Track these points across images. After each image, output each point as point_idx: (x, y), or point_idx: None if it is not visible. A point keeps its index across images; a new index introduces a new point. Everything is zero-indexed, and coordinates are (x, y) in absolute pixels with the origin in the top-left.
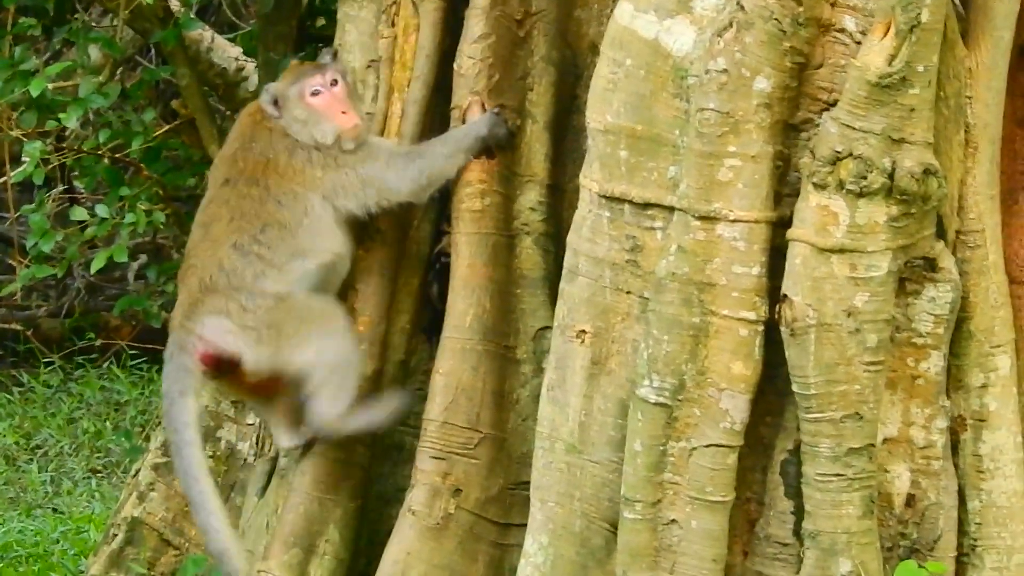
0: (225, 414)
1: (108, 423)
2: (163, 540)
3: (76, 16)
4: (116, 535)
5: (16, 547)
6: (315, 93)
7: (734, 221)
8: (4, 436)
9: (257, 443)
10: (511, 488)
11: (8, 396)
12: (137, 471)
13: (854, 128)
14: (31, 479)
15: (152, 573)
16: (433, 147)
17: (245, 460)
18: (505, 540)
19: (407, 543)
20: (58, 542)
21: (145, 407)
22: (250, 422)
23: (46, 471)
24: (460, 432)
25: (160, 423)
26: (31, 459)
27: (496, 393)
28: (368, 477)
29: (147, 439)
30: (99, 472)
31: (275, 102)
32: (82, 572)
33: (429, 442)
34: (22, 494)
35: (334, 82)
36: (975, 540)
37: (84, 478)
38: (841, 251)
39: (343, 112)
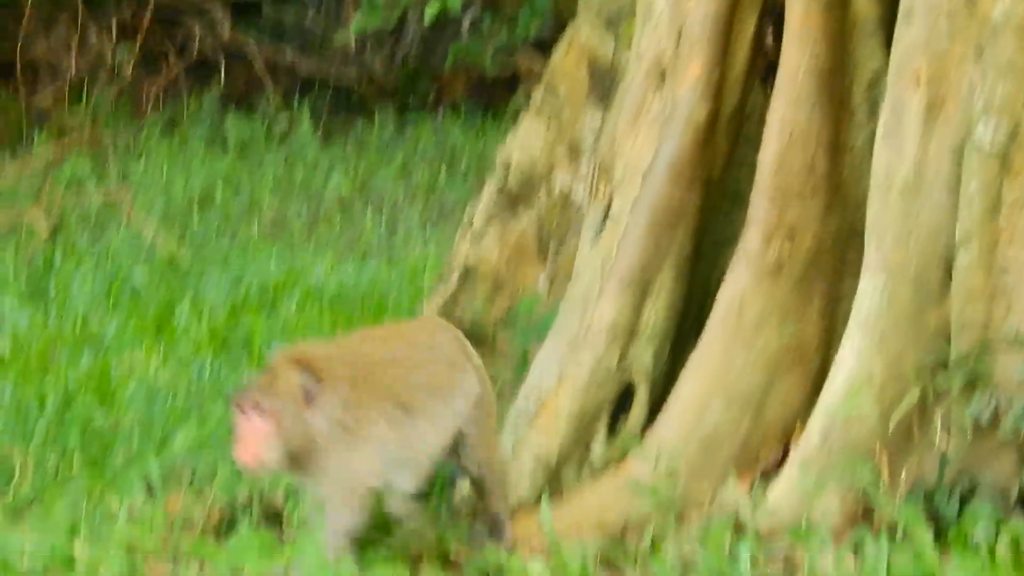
0: (558, 158)
1: (442, 171)
2: (497, 283)
3: None
4: (451, 278)
5: (351, 291)
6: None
7: None
8: (340, 185)
9: (591, 187)
10: (846, 231)
11: (343, 145)
12: (471, 217)
13: None
14: (366, 226)
15: (487, 314)
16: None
17: (578, 204)
18: (839, 282)
19: (742, 285)
20: (392, 286)
21: (478, 155)
22: (582, 165)
23: (381, 218)
24: (795, 177)
25: (493, 169)
26: (366, 207)
27: (830, 138)
28: (703, 220)
29: (480, 186)
30: (433, 219)
31: None
32: (417, 314)
33: (764, 186)
34: (358, 241)
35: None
36: None
37: (418, 225)
38: None
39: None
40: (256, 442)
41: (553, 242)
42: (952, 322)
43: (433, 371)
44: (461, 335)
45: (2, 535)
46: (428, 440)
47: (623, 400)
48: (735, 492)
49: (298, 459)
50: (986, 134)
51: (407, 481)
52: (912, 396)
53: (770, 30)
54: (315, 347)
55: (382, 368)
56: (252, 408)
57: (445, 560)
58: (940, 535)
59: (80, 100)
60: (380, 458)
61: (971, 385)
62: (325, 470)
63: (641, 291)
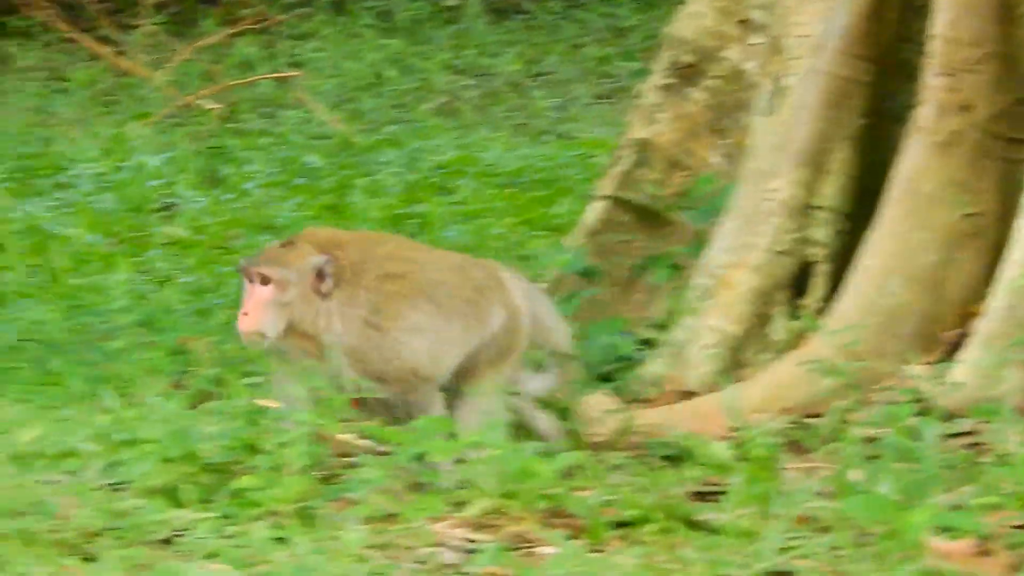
0: (729, 33)
1: (612, 48)
2: (672, 161)
3: None
4: (624, 157)
5: (525, 172)
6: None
7: None
8: (510, 63)
9: (762, 63)
10: (1020, 103)
11: (511, 24)
12: (644, 93)
13: None
14: (538, 106)
15: (662, 193)
16: None
17: (751, 80)
18: (1015, 155)
19: (916, 160)
20: (566, 166)
21: (649, 32)
22: (753, 41)
23: (553, 98)
24: (966, 48)
25: (664, 45)
26: (537, 86)
27: (1002, 8)
28: (875, 95)
29: (652, 61)
30: (605, 97)
31: None
32: (592, 194)
33: (935, 59)
34: (530, 121)
35: (264, 281)
36: None
37: (591, 103)
38: None
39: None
40: (256, 311)
41: (727, 119)
42: None
43: (463, 289)
44: (510, 277)
45: (185, 423)
46: (455, 346)
47: (801, 279)
48: (917, 370)
49: (302, 340)
50: None
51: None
52: None
53: None
54: (342, 234)
55: (415, 269)
56: (257, 275)
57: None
58: None
59: None
60: (427, 345)
61: None
62: (365, 373)
63: (816, 167)
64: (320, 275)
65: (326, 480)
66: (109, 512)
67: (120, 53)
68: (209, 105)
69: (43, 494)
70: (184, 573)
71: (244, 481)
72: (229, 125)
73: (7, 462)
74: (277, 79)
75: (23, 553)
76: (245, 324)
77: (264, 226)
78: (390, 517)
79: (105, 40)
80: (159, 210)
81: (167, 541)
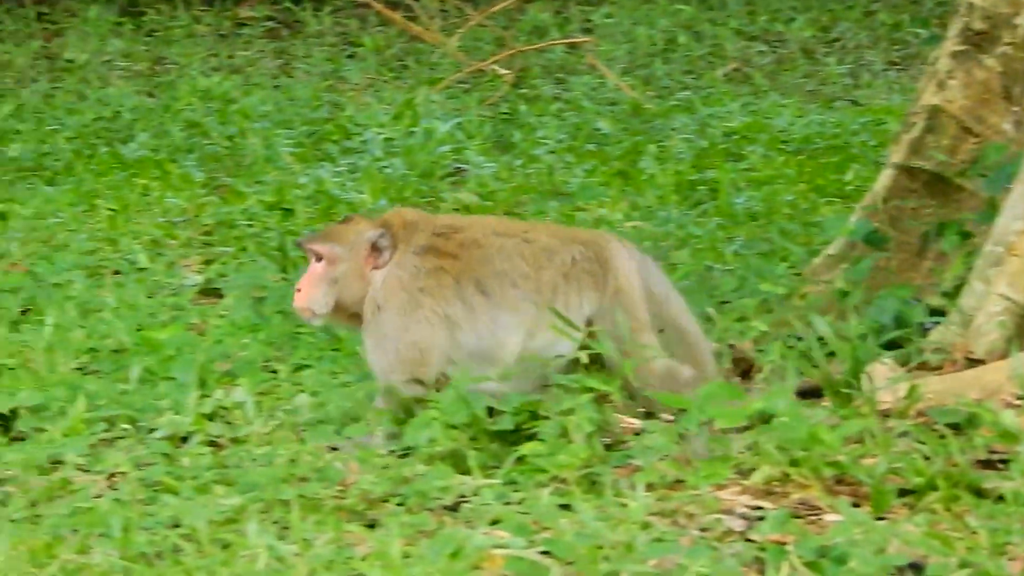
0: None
1: (905, 14)
2: (963, 128)
3: None
4: (915, 124)
5: (816, 139)
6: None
7: None
8: (802, 29)
9: None
10: None
11: None
12: (936, 60)
13: None
14: (830, 72)
15: (952, 160)
16: None
17: None
18: None
19: None
20: (857, 133)
21: None
22: None
23: (844, 64)
24: None
25: (957, 11)
26: (829, 52)
27: None
28: None
29: (944, 27)
30: (897, 64)
31: None
32: (882, 161)
33: None
34: (821, 87)
35: (318, 258)
36: None
37: (883, 70)
38: None
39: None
40: (308, 287)
41: (1019, 86)
42: None
43: (541, 276)
44: (625, 256)
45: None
46: (510, 337)
47: None
48: None
49: (354, 316)
50: None
51: (495, 377)
52: None
53: None
54: (414, 213)
55: (483, 253)
56: (312, 251)
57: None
58: None
59: None
60: (444, 337)
61: None
62: (374, 334)
63: None
64: (375, 248)
65: (610, 447)
66: (393, 478)
67: (411, 18)
68: (500, 71)
69: (327, 460)
70: (467, 539)
71: (529, 447)
72: (519, 91)
73: (291, 428)
74: (568, 45)
75: (306, 519)
76: (297, 300)
77: (554, 192)
78: (675, 484)
79: (396, 5)
80: (448, 175)
81: (451, 508)
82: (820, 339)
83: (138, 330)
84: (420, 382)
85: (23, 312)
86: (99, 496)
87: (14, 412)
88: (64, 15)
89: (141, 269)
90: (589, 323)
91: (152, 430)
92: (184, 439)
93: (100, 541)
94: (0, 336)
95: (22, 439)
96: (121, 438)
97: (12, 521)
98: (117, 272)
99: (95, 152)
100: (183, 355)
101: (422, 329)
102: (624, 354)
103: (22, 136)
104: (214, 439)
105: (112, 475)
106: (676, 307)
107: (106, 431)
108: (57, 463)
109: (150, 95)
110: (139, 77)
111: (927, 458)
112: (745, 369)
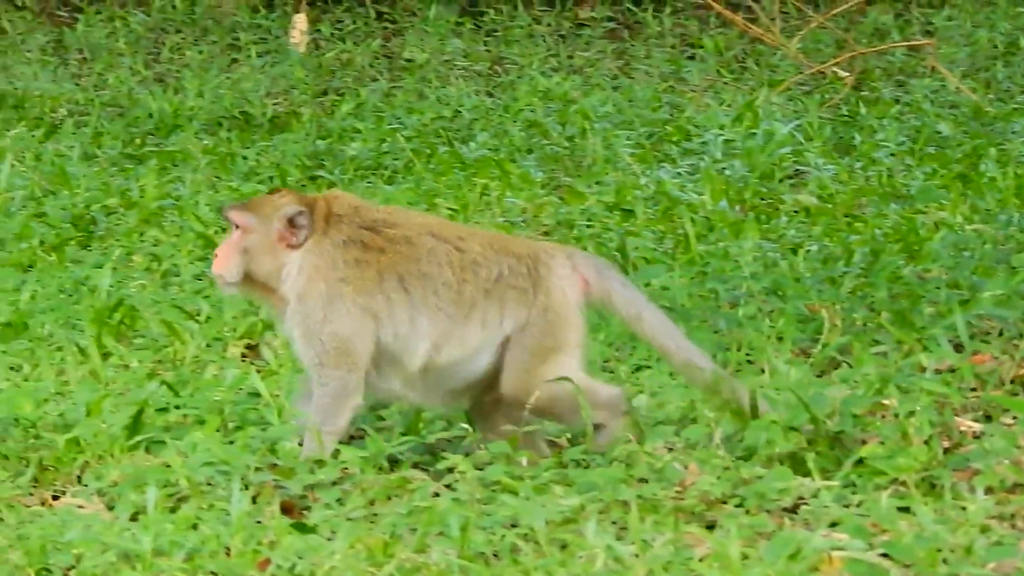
0: None
1: None
2: None
3: None
4: None
5: None
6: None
7: None
8: None
9: None
10: None
11: None
12: None
13: None
14: None
15: None
16: None
17: None
18: None
19: None
20: None
21: None
22: None
23: None
24: None
25: None
26: None
27: None
28: None
29: None
30: None
31: None
32: None
33: None
34: None
35: (236, 226)
36: None
37: None
38: None
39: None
40: (222, 254)
41: None
42: None
43: (463, 289)
44: (564, 274)
45: (810, 391)
46: (419, 345)
47: None
48: None
49: (262, 289)
50: None
51: (397, 384)
52: None
53: None
54: (349, 200)
55: (412, 251)
56: (230, 219)
57: None
58: None
59: None
60: (369, 326)
61: None
62: (299, 325)
63: None
64: (292, 225)
65: (949, 450)
66: (732, 480)
67: (751, 20)
68: (840, 73)
69: (666, 461)
70: (806, 541)
71: (868, 450)
72: (860, 93)
73: (630, 428)
74: (909, 47)
75: (644, 520)
76: (214, 265)
77: (893, 195)
78: (1015, 488)
79: (736, 7)
80: (788, 177)
81: (790, 510)
82: None
83: None
84: (351, 372)
85: None
86: (437, 495)
87: None
88: (404, 15)
89: None
90: (507, 339)
91: None
92: None
93: (438, 540)
94: None
95: (360, 437)
96: (460, 437)
97: (350, 520)
98: None
99: (434, 151)
100: None
101: (343, 320)
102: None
103: (362, 135)
104: (553, 439)
105: (450, 474)
106: (651, 326)
107: (444, 430)
108: (395, 462)
109: (489, 95)
110: (479, 77)
111: None
112: None
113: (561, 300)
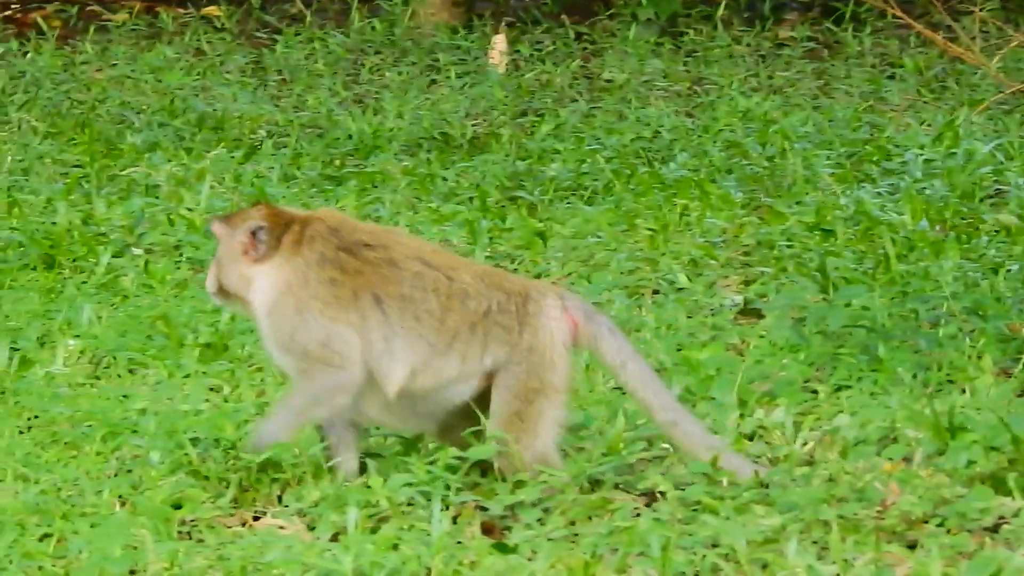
0: None
1: None
2: None
3: None
4: None
5: None
6: None
7: None
8: None
9: None
10: None
11: None
12: None
13: None
14: None
15: None
16: None
17: None
18: None
19: None
20: None
21: None
22: None
23: None
24: None
25: None
26: None
27: None
28: None
29: None
30: None
31: None
32: None
33: None
34: None
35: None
36: None
37: None
38: None
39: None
40: (210, 266)
41: None
42: None
43: (446, 318)
44: (553, 316)
45: (1012, 411)
46: (395, 369)
47: None
48: None
49: (241, 301)
50: None
51: (374, 409)
52: None
53: None
54: (331, 219)
55: (395, 274)
56: (211, 229)
57: None
58: None
59: None
60: (342, 332)
61: None
62: (270, 338)
63: None
64: (253, 237)
65: None
66: (933, 499)
67: (952, 39)
68: None
69: (867, 480)
70: (1007, 561)
71: None
72: None
73: (830, 448)
74: None
75: (845, 540)
76: (206, 280)
77: None
78: None
79: (936, 27)
80: (989, 197)
81: (991, 529)
82: None
83: (678, 350)
84: (342, 368)
85: None
86: (638, 515)
87: None
88: (603, 35)
89: (680, 289)
90: (490, 374)
91: None
92: None
93: (639, 560)
94: None
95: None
96: (660, 457)
97: (550, 540)
98: (656, 292)
99: (634, 172)
100: (723, 375)
101: (313, 327)
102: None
103: (561, 155)
104: (754, 459)
105: (651, 494)
106: (634, 377)
107: (645, 450)
108: (596, 482)
109: (689, 115)
110: (678, 97)
111: None
112: None
113: (547, 341)
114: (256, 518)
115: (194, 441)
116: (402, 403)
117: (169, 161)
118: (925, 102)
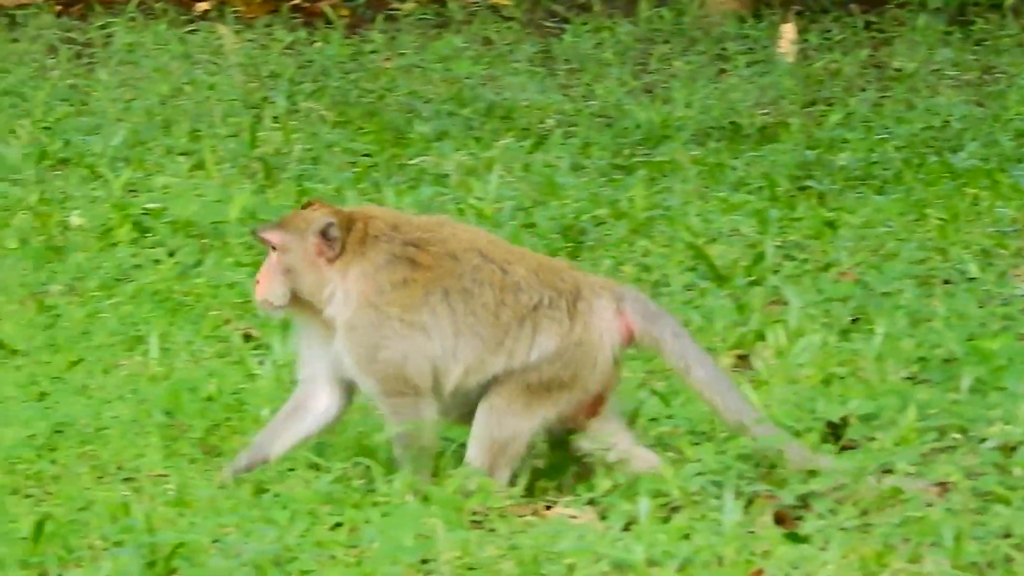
0: None
1: None
2: None
3: None
4: None
5: None
6: None
7: None
8: None
9: None
10: None
11: None
12: None
13: None
14: None
15: None
16: None
17: None
18: None
19: None
20: None
21: None
22: None
23: None
24: None
25: None
26: None
27: None
28: None
29: None
30: None
31: None
32: None
33: None
34: None
35: (272, 247)
36: None
37: None
38: None
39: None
40: (265, 279)
41: None
42: None
43: (499, 309)
44: (606, 315)
45: None
46: (454, 367)
47: None
48: None
49: (310, 309)
50: None
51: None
52: None
53: None
54: (387, 215)
55: (456, 267)
56: (265, 240)
57: None
58: None
59: None
60: (420, 342)
61: None
62: (350, 353)
63: None
64: (325, 237)
65: None
66: None
67: None
68: None
69: None
70: None
71: None
72: None
73: None
74: None
75: None
76: (257, 293)
77: None
78: None
79: None
80: None
81: None
82: None
83: (969, 340)
84: (415, 394)
85: (853, 321)
86: (930, 505)
87: (844, 420)
88: (892, 24)
89: (971, 279)
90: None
91: (983, 440)
92: (1013, 449)
93: (931, 550)
94: (831, 344)
95: (852, 447)
96: (952, 448)
97: (843, 530)
98: (947, 282)
99: (924, 161)
100: (1014, 365)
101: (394, 343)
102: None
103: (851, 145)
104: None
105: (943, 484)
106: (700, 379)
107: (936, 440)
108: (888, 472)
109: (979, 104)
110: (968, 86)
111: None
112: None
113: (595, 340)
114: (547, 507)
115: None
116: (454, 400)
117: (458, 150)
118: None
